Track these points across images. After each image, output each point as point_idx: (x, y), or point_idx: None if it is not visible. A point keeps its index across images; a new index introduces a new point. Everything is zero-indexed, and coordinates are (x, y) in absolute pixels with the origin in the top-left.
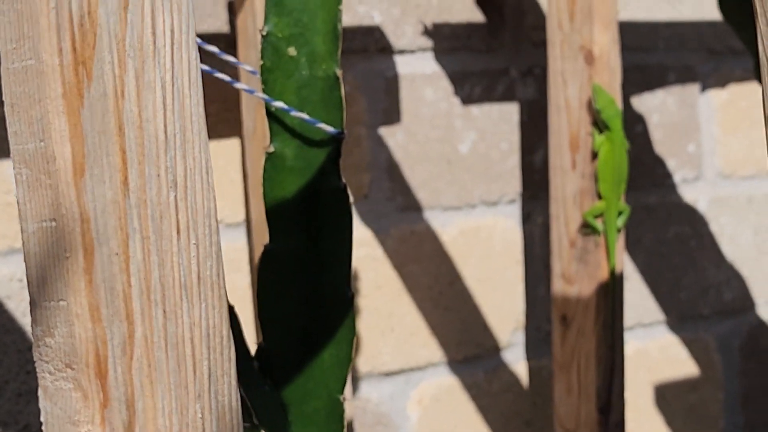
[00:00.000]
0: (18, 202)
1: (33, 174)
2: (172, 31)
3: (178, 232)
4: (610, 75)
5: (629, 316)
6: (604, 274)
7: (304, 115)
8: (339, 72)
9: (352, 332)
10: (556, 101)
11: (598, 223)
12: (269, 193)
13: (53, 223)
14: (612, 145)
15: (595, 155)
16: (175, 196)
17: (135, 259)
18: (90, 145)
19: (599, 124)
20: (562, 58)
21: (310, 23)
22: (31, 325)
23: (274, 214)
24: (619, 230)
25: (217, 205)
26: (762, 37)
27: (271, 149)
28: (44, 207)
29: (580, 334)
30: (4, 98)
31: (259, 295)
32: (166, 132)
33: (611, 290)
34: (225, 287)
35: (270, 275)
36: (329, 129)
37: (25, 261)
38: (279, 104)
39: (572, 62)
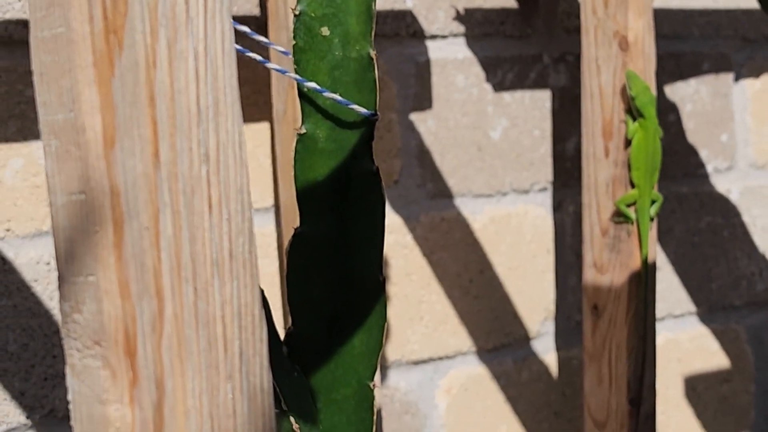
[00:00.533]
0: (47, 175)
1: (62, 145)
2: (206, 1)
3: (210, 207)
4: (644, 62)
5: (660, 307)
6: (636, 264)
7: (337, 96)
8: (373, 53)
9: (384, 318)
10: (589, 88)
11: (631, 212)
12: (300, 175)
13: (83, 196)
14: (645, 133)
15: (628, 143)
16: (207, 171)
17: (165, 234)
18: (121, 116)
19: (633, 111)
20: (596, 45)
21: (344, 3)
22: (60, 301)
23: (304, 196)
24: (652, 219)
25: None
26: None
27: (303, 130)
28: (74, 179)
29: (611, 323)
30: (33, 67)
31: (288, 278)
32: (198, 104)
33: (643, 280)
34: (257, 265)
35: (300, 259)
36: (362, 110)
37: (54, 235)
38: (311, 85)
39: (606, 48)
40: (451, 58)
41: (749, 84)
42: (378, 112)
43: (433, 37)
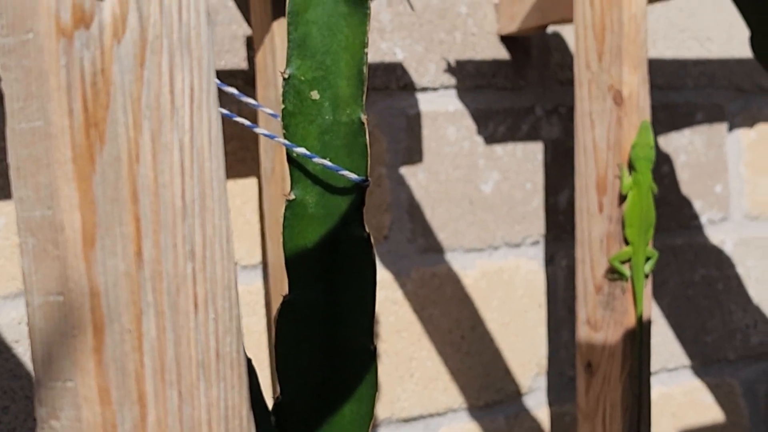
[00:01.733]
0: (23, 273)
1: (39, 244)
2: (192, 90)
3: (196, 306)
4: (639, 116)
5: (654, 360)
6: (630, 321)
7: (327, 162)
8: (364, 117)
9: (375, 387)
10: (583, 142)
11: (626, 269)
12: (289, 241)
13: (61, 298)
14: (639, 190)
15: (622, 199)
16: (193, 268)
17: (149, 337)
18: (101, 213)
19: (629, 163)
20: (590, 99)
21: (334, 66)
22: (35, 406)
23: (293, 263)
24: (646, 276)
25: (236, 270)
26: None
27: (292, 196)
28: (51, 280)
29: (605, 382)
30: (9, 161)
31: (277, 347)
32: (183, 198)
33: (638, 337)
34: (245, 364)
35: (288, 327)
36: (353, 176)
37: (30, 337)
38: (301, 150)
39: (600, 103)
40: (442, 110)
41: (743, 134)
42: (369, 178)
43: (424, 89)
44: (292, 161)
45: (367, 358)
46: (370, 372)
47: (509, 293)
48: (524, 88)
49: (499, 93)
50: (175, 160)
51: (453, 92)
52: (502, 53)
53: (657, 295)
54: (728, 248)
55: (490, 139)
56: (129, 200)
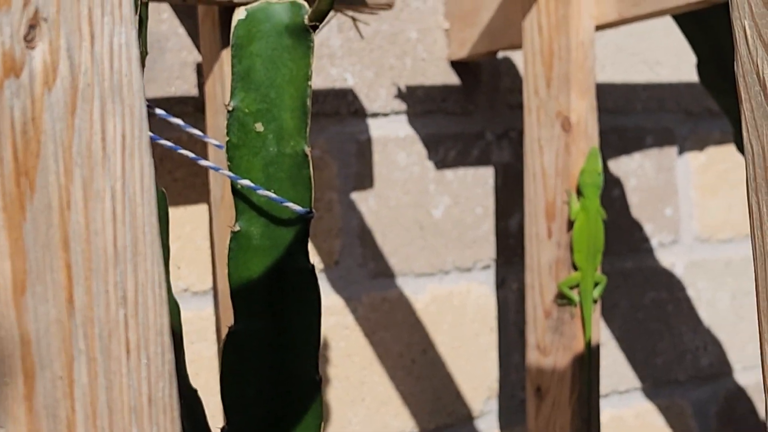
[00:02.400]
0: None
1: None
2: (123, 137)
3: (128, 351)
4: (587, 142)
5: (604, 383)
6: (579, 346)
7: (271, 194)
8: (308, 149)
9: (319, 417)
10: (532, 168)
11: (574, 294)
12: (234, 272)
13: None
14: (587, 215)
15: (571, 225)
16: (125, 313)
17: (80, 383)
18: (32, 260)
19: (578, 189)
20: (539, 125)
21: (278, 99)
22: None
23: (239, 294)
24: (595, 301)
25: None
26: (746, 123)
27: (237, 228)
28: None
29: (554, 406)
30: None
31: (222, 378)
32: (115, 245)
33: (586, 362)
34: (179, 408)
35: (234, 357)
36: (297, 208)
37: None
38: (245, 182)
39: (549, 129)
40: (393, 136)
41: (693, 157)
42: (313, 210)
43: (375, 115)
44: (237, 193)
45: (313, 387)
46: (315, 401)
47: (460, 317)
48: (474, 113)
49: (449, 118)
50: (107, 207)
51: (403, 117)
52: (452, 78)
53: (607, 318)
54: (679, 271)
55: (441, 164)
56: (60, 247)
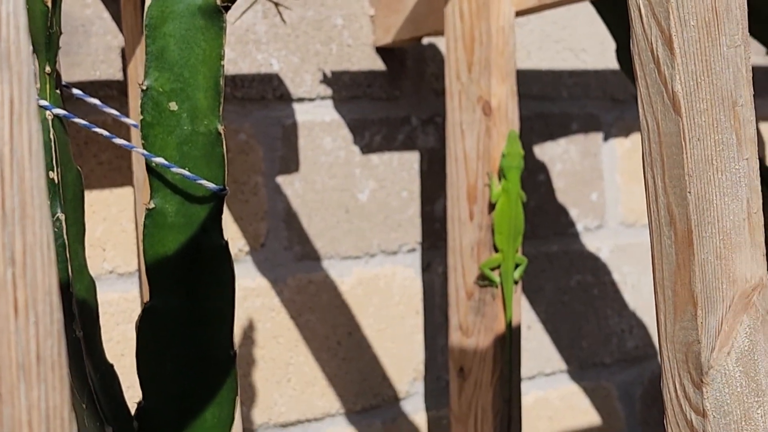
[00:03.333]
0: None
1: None
2: (12, 102)
3: (16, 310)
4: (507, 126)
5: (531, 365)
6: (501, 327)
7: (185, 172)
8: (221, 128)
9: (235, 391)
10: (454, 152)
11: (495, 275)
12: (149, 249)
13: None
14: (508, 198)
15: (492, 207)
16: (13, 273)
17: None
18: None
19: (499, 172)
20: (460, 109)
21: (192, 78)
22: None
23: (154, 271)
24: (516, 282)
25: (57, 276)
26: (642, 100)
27: (152, 205)
28: None
29: (477, 386)
30: None
31: (138, 353)
32: (3, 207)
33: (508, 343)
34: (67, 366)
35: (150, 333)
36: (211, 185)
37: None
38: (159, 160)
39: (470, 113)
40: (318, 120)
41: (618, 143)
42: (227, 187)
43: (300, 99)
44: (152, 171)
45: (228, 362)
46: (230, 377)
47: (385, 300)
48: (400, 99)
49: (374, 103)
50: None
51: (329, 103)
52: (377, 64)
53: (533, 301)
54: (604, 255)
55: (366, 148)
56: None
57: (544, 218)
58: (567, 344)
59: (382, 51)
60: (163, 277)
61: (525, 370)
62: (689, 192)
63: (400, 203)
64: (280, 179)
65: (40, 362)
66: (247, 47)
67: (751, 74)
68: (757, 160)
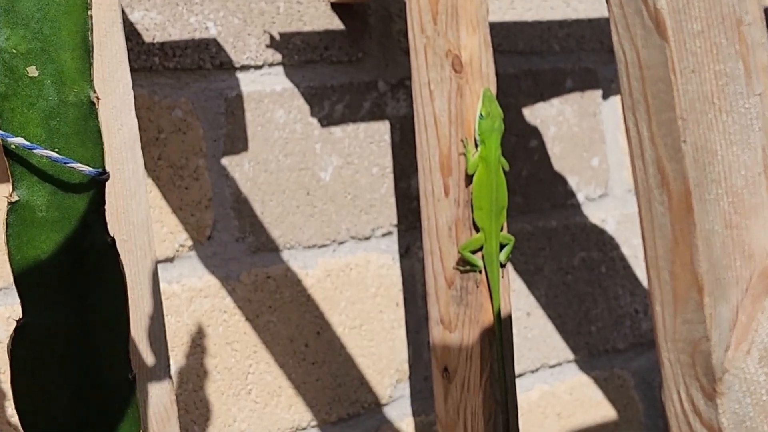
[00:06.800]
0: None
1: None
2: None
3: None
4: (482, 84)
5: (533, 357)
6: (488, 318)
7: (53, 153)
8: (94, 96)
9: (137, 423)
10: (423, 117)
11: (477, 259)
12: (17, 253)
13: None
14: (487, 167)
15: (470, 179)
16: None
17: None
18: None
19: (475, 138)
20: (427, 67)
21: (54, 35)
22: None
23: (25, 279)
24: (503, 266)
25: None
26: (616, 23)
27: (15, 198)
28: None
29: (464, 388)
30: None
31: (14, 383)
32: None
33: (497, 336)
34: None
35: (26, 357)
36: (87, 169)
37: None
38: (19, 141)
39: (438, 71)
40: (268, 90)
41: (620, 100)
42: (107, 170)
43: (245, 67)
44: (11, 154)
45: (125, 388)
46: (130, 406)
47: (360, 293)
48: (363, 61)
49: (334, 68)
50: None
51: (279, 69)
52: (335, 23)
53: (531, 284)
54: (610, 227)
55: (327, 120)
56: None
57: (540, 189)
58: (573, 330)
59: (339, 7)
60: (37, 287)
61: (527, 362)
62: (684, 141)
63: (370, 181)
64: (226, 161)
65: None
66: (177, 9)
67: None
68: None
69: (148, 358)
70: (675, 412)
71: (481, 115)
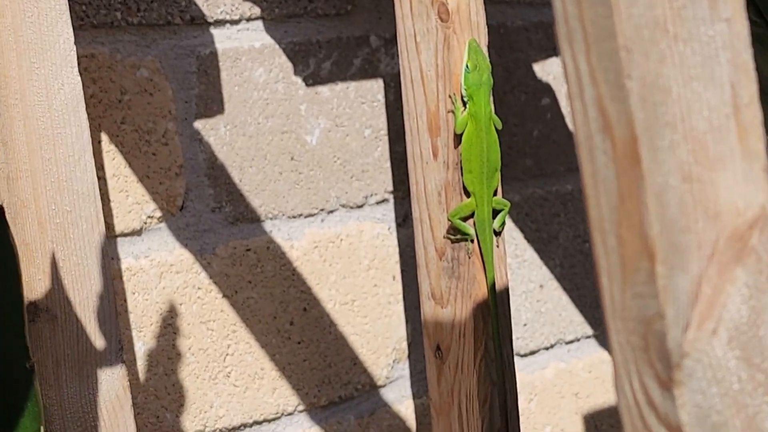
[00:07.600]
0: None
1: None
2: None
3: None
4: (472, 34)
5: (548, 333)
6: (481, 292)
7: None
8: None
9: (37, 419)
10: (409, 72)
11: (469, 227)
12: None
13: None
14: (476, 126)
15: (459, 139)
16: None
17: None
18: None
19: (462, 92)
20: (412, 17)
21: None
22: None
23: None
24: (497, 234)
25: None
26: None
27: None
28: None
29: (458, 368)
30: None
31: None
32: None
33: (492, 311)
34: None
35: None
36: None
37: None
38: None
39: (424, 20)
40: (246, 47)
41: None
42: None
43: (219, 22)
44: None
45: (23, 380)
46: (30, 399)
47: (352, 265)
48: (353, 14)
49: (320, 21)
50: None
51: (258, 24)
52: None
53: (544, 253)
54: None
55: (313, 79)
56: None
57: (553, 151)
58: (592, 303)
59: None
60: None
61: (541, 338)
62: (629, 76)
63: (362, 144)
64: (199, 124)
65: None
66: None
67: None
68: (747, 19)
69: (97, 341)
70: (628, 406)
71: (467, 67)
